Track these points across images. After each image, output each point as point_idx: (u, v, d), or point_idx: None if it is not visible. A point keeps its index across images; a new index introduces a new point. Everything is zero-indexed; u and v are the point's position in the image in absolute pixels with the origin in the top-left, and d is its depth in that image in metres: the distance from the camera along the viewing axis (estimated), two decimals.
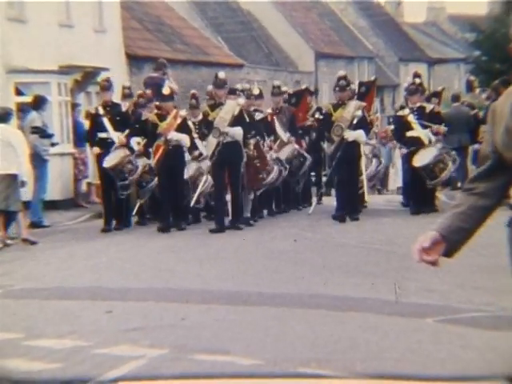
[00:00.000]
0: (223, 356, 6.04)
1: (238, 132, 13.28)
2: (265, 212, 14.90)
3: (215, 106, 13.59)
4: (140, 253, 11.32)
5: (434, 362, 5.63)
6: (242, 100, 13.92)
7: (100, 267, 10.30)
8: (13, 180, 12.46)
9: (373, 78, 17.35)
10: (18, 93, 17.89)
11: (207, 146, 13.58)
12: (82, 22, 21.49)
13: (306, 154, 15.53)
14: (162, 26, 29.72)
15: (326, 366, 5.73)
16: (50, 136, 14.78)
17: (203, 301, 8.07)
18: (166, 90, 14.06)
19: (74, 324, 7.33)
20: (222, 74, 13.72)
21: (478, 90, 19.20)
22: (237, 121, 13.27)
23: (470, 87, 20.12)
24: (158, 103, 14.31)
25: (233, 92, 14.45)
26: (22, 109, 16.00)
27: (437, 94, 16.59)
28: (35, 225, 13.88)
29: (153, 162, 14.10)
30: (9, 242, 12.45)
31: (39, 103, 14.84)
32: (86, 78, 19.88)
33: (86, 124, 15.47)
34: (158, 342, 6.58)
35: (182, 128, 13.77)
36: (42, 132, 14.53)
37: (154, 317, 7.52)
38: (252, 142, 13.70)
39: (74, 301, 8.38)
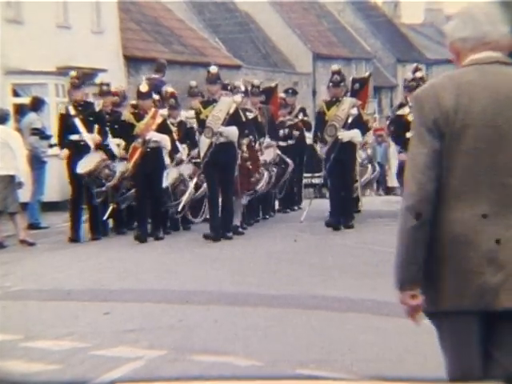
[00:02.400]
0: (222, 357, 6.04)
1: (232, 132, 12.11)
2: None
3: (208, 102, 12.39)
4: (138, 253, 11.31)
5: (433, 363, 5.62)
6: (238, 97, 12.90)
7: (98, 268, 10.29)
8: (11, 181, 12.47)
9: (367, 74, 16.18)
10: (15, 94, 17.89)
11: (200, 147, 12.46)
12: (79, 24, 21.50)
13: (287, 160, 14.78)
14: (160, 27, 29.73)
15: (325, 367, 5.72)
16: (48, 137, 14.76)
17: (202, 302, 8.06)
18: (143, 87, 12.83)
19: (72, 325, 7.32)
20: (213, 68, 12.53)
21: None
22: (232, 120, 12.13)
23: None
24: (134, 102, 13.24)
25: (224, 88, 13.21)
26: (20, 110, 16.00)
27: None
28: (33, 226, 13.85)
29: (128, 165, 12.75)
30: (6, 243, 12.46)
31: (37, 105, 14.82)
32: (84, 79, 19.87)
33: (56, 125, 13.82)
34: (156, 343, 6.57)
35: (162, 128, 12.63)
36: (41, 133, 14.50)
37: (153, 318, 7.51)
38: (245, 142, 12.70)
39: (72, 302, 8.38)
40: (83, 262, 10.82)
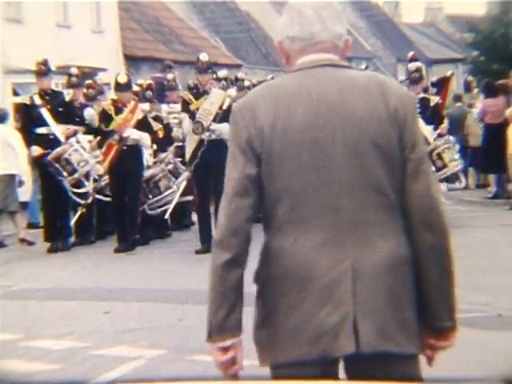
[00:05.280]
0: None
1: (225, 129, 9.85)
2: None
3: (198, 94, 11.07)
4: (138, 252, 11.30)
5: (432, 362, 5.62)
6: (232, 91, 11.82)
7: (98, 268, 10.29)
8: (11, 180, 12.48)
9: (363, 67, 15.07)
10: (15, 93, 17.89)
11: (187, 144, 11.11)
12: (79, 23, 21.52)
13: None
14: (160, 26, 29.74)
15: None
16: None
17: (202, 301, 8.05)
18: (121, 78, 11.47)
19: (72, 325, 7.33)
20: (204, 56, 11.27)
21: (475, 91, 19.17)
22: (225, 116, 10.11)
23: (468, 87, 20.11)
24: (114, 97, 11.83)
25: (218, 80, 12.27)
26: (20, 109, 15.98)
27: (437, 84, 14.35)
28: (33, 225, 13.86)
29: (103, 164, 11.48)
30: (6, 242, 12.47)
31: None
32: (84, 78, 19.88)
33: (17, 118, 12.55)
34: (156, 342, 6.58)
35: (142, 125, 11.32)
36: None
37: (153, 317, 7.51)
38: None
39: (73, 301, 8.38)
40: (83, 261, 10.82)
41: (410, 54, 14.35)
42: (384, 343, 2.69)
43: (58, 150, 11.35)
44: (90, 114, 11.79)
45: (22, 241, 12.39)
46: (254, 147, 2.74)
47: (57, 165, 11.35)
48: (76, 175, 11.44)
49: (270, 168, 2.75)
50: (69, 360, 6.21)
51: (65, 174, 11.40)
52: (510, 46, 26.00)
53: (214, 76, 11.98)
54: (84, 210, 11.96)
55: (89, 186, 11.73)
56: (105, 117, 11.35)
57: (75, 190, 11.56)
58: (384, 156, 2.74)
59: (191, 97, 11.07)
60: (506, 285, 8.17)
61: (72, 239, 11.95)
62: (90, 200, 11.90)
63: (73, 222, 12.06)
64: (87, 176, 11.67)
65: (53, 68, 11.84)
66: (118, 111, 11.30)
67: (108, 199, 11.87)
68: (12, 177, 12.48)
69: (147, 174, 11.73)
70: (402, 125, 2.76)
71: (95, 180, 11.92)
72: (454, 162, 12.52)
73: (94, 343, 6.62)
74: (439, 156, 12.34)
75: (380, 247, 2.73)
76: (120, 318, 7.57)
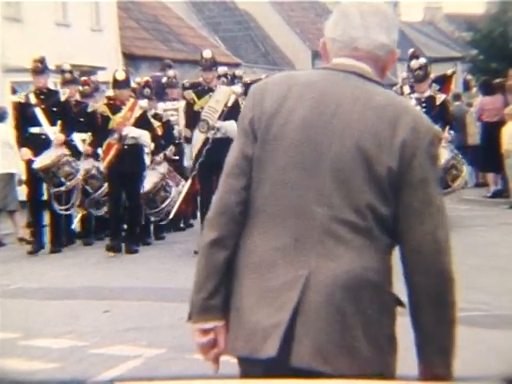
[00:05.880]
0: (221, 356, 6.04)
1: (231, 127, 9.81)
2: None
3: (203, 92, 10.81)
4: (137, 252, 11.30)
5: None
6: (238, 88, 11.50)
7: (98, 267, 10.29)
8: (11, 179, 12.48)
9: (449, 72, 14.33)
10: (14, 92, 17.87)
11: (193, 144, 10.88)
12: (78, 21, 21.51)
13: None
14: (159, 25, 29.73)
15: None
16: None
17: None
18: (119, 74, 11.15)
19: (71, 324, 7.33)
20: (208, 53, 10.96)
21: (474, 89, 19.17)
22: (231, 113, 10.26)
23: (467, 86, 20.11)
24: (111, 94, 11.61)
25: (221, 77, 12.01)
26: None
27: (437, 81, 13.76)
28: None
29: (102, 164, 11.34)
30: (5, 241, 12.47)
31: None
32: (82, 76, 19.84)
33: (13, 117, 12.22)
34: (155, 341, 6.58)
35: (141, 123, 11.10)
36: None
37: (152, 316, 7.51)
38: None
39: (72, 300, 8.37)
40: (83, 260, 10.82)
41: (411, 50, 14.10)
42: (319, 364, 2.56)
43: (48, 162, 11.04)
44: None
45: (21, 240, 12.38)
46: (254, 128, 2.69)
47: (44, 175, 11.17)
48: (62, 188, 11.21)
49: (260, 154, 2.67)
50: (68, 359, 6.21)
51: (51, 185, 11.23)
52: (509, 45, 26.00)
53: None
54: (83, 213, 11.89)
55: (73, 199, 11.48)
56: (101, 119, 11.12)
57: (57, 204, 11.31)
58: (373, 180, 2.60)
59: (194, 96, 10.86)
60: (505, 284, 8.18)
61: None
62: (71, 211, 11.67)
63: (75, 223, 12.06)
64: (72, 190, 11.43)
65: (51, 66, 11.74)
66: (116, 110, 11.08)
67: (97, 213, 11.83)
68: (11, 176, 12.47)
69: (142, 190, 11.46)
70: (409, 158, 2.60)
71: (89, 193, 11.75)
72: (457, 180, 12.02)
73: (93, 342, 6.62)
74: (455, 167, 11.91)
75: (340, 265, 2.59)
76: (119, 317, 7.57)
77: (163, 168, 11.92)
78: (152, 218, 12.00)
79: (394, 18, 2.81)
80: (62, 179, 11.14)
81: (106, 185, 11.50)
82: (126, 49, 25.25)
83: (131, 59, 24.95)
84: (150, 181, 11.57)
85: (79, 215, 12.02)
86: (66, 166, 11.19)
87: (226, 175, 2.73)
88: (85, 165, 11.62)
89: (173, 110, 12.57)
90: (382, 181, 2.60)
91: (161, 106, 12.93)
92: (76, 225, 12.13)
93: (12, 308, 7.92)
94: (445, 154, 11.71)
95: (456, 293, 2.72)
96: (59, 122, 11.30)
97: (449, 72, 14.46)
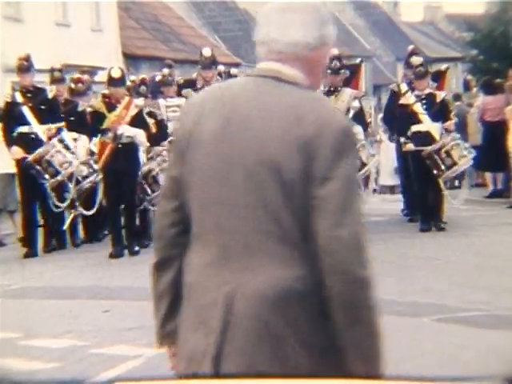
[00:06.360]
0: None
1: None
2: None
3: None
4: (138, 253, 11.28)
5: (432, 361, 5.62)
6: None
7: (98, 267, 10.28)
8: (11, 179, 12.45)
9: (358, 61, 13.92)
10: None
11: None
12: (78, 21, 21.52)
13: None
14: (159, 24, 29.74)
15: None
16: None
17: None
18: (114, 72, 10.94)
19: (71, 324, 7.33)
20: (207, 51, 10.82)
21: (475, 90, 19.15)
22: None
23: (467, 86, 20.09)
24: (106, 91, 11.34)
25: (219, 75, 11.84)
26: None
27: (435, 77, 13.18)
28: None
29: (98, 164, 11.01)
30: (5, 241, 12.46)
31: None
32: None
33: None
34: (155, 341, 6.56)
35: (137, 121, 10.85)
36: None
37: (152, 316, 7.49)
38: None
39: (72, 300, 8.37)
40: (82, 259, 10.81)
41: (410, 47, 13.93)
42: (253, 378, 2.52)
43: (40, 150, 10.79)
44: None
45: (22, 240, 12.37)
46: (179, 149, 2.65)
47: (38, 167, 10.84)
48: (59, 177, 10.90)
49: (185, 174, 2.65)
50: (68, 359, 6.21)
51: (46, 176, 10.89)
52: (510, 45, 25.98)
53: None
54: (76, 212, 11.49)
55: (72, 190, 11.12)
56: (97, 116, 10.92)
57: (55, 194, 11.04)
58: (285, 186, 2.51)
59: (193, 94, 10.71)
60: (505, 284, 8.17)
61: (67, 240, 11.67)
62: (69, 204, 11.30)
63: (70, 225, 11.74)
64: (70, 178, 11.08)
65: (46, 66, 11.56)
66: (111, 108, 10.85)
67: (88, 213, 11.44)
68: (11, 176, 12.45)
69: (144, 168, 11.33)
70: (313, 157, 2.50)
71: (78, 182, 11.22)
72: (464, 159, 11.78)
73: (93, 342, 6.61)
74: (448, 154, 11.63)
75: (265, 278, 2.53)
76: (119, 316, 7.57)
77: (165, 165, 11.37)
78: (153, 208, 11.18)
79: (320, 12, 2.64)
80: (58, 167, 10.85)
81: (94, 175, 11.17)
82: (126, 49, 25.25)
83: (131, 59, 24.96)
84: (147, 166, 11.34)
85: (71, 216, 11.64)
86: (59, 155, 10.87)
87: (161, 197, 2.78)
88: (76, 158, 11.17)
89: (175, 106, 12.49)
90: (294, 185, 2.51)
91: (162, 103, 12.85)
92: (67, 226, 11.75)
93: (12, 308, 7.92)
94: (447, 136, 11.66)
95: (371, 294, 2.57)
96: (57, 124, 11.08)
97: (443, 68, 14.22)
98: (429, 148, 11.47)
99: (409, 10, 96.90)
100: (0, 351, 6.36)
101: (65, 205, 11.22)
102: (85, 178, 11.20)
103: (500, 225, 12.31)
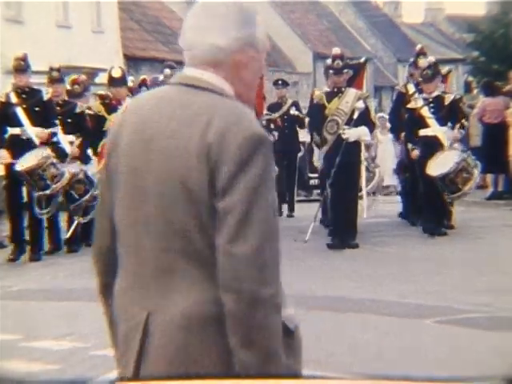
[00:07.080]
0: None
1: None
2: None
3: None
4: None
5: (433, 362, 5.62)
6: None
7: None
8: None
9: (362, 60, 13.33)
10: None
11: None
12: (79, 23, 21.52)
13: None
14: (160, 26, 29.73)
15: (326, 366, 5.72)
16: None
17: None
18: (115, 72, 10.80)
19: (72, 325, 7.32)
20: None
21: (475, 91, 19.15)
22: None
23: (468, 88, 20.10)
24: (103, 92, 11.15)
25: None
26: None
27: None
28: None
29: (95, 168, 10.75)
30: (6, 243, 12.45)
31: None
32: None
33: None
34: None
35: None
36: None
37: None
38: None
39: (73, 302, 8.36)
40: (84, 261, 10.80)
41: (418, 46, 13.63)
42: None
43: (33, 163, 10.44)
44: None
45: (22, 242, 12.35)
46: (106, 161, 2.55)
47: (29, 178, 10.55)
48: (47, 191, 10.59)
49: (111, 194, 2.52)
50: (69, 360, 6.21)
51: (36, 188, 10.61)
52: (510, 46, 25.97)
53: None
54: (81, 219, 11.23)
55: (55, 203, 10.89)
56: (97, 119, 10.75)
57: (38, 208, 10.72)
58: (191, 199, 2.38)
59: None
60: (506, 285, 8.17)
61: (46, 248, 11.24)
62: (52, 213, 11.01)
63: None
64: (55, 194, 10.82)
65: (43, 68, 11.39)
66: (112, 110, 10.61)
67: (85, 220, 11.14)
68: None
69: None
70: (213, 166, 2.36)
71: (74, 199, 11.06)
72: (469, 183, 11.28)
73: (93, 344, 6.60)
74: (452, 181, 11.14)
75: (178, 302, 2.42)
76: None
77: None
78: None
79: (242, 13, 2.50)
80: (48, 182, 10.56)
81: (92, 190, 10.87)
82: (127, 50, 25.26)
83: (132, 61, 24.96)
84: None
85: (75, 223, 11.41)
86: (52, 167, 10.59)
87: (95, 215, 2.75)
88: (70, 168, 10.93)
89: None
90: (201, 199, 2.37)
91: None
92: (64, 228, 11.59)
93: (13, 309, 7.91)
94: (454, 156, 11.24)
95: (271, 314, 2.40)
96: (54, 128, 10.84)
97: (445, 70, 13.96)
98: (434, 175, 11.08)
99: (410, 11, 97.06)
100: (1, 353, 6.36)
101: (45, 212, 10.83)
102: (81, 195, 11.00)
103: (501, 226, 12.32)
